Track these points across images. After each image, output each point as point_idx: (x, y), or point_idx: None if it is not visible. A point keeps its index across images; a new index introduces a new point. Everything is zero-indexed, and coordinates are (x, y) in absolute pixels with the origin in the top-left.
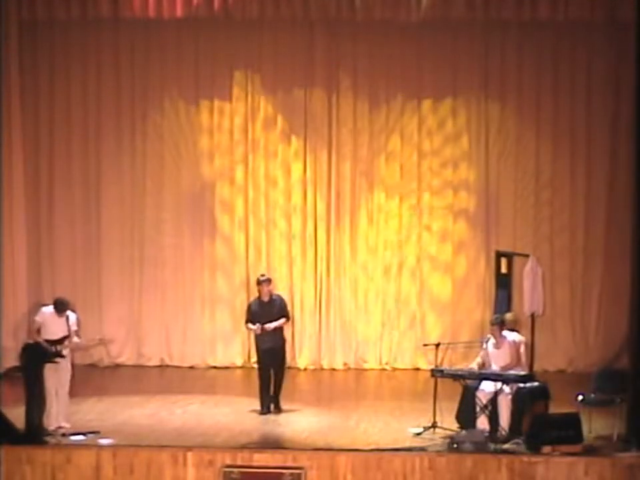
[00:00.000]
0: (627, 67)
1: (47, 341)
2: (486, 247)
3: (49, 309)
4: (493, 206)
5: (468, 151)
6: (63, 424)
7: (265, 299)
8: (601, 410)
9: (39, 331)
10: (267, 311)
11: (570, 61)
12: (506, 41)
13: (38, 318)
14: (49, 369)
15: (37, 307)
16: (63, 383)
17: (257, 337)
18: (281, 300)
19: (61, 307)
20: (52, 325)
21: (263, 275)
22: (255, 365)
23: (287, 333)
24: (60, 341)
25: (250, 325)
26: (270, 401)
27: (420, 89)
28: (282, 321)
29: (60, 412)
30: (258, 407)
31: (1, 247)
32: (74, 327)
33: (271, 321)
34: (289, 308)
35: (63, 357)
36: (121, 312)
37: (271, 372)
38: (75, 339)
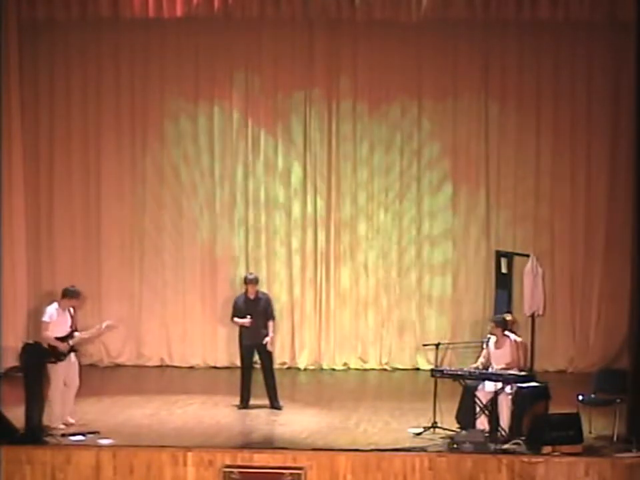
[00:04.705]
0: (627, 67)
1: (58, 338)
2: (486, 246)
3: (54, 307)
4: (494, 205)
5: (468, 150)
6: (69, 419)
7: (251, 296)
8: (601, 410)
9: (48, 330)
10: (251, 307)
11: (570, 61)
12: (506, 41)
13: (46, 318)
14: (59, 366)
15: (36, 307)
16: (73, 378)
17: (242, 333)
18: (267, 298)
19: (72, 294)
20: (60, 322)
21: (250, 274)
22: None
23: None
24: (70, 336)
25: (236, 319)
26: (249, 397)
27: (420, 89)
28: (271, 324)
29: (66, 408)
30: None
31: (1, 247)
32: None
33: (254, 317)
34: (274, 307)
35: (76, 351)
36: (121, 312)
37: (252, 368)
38: (77, 334)
